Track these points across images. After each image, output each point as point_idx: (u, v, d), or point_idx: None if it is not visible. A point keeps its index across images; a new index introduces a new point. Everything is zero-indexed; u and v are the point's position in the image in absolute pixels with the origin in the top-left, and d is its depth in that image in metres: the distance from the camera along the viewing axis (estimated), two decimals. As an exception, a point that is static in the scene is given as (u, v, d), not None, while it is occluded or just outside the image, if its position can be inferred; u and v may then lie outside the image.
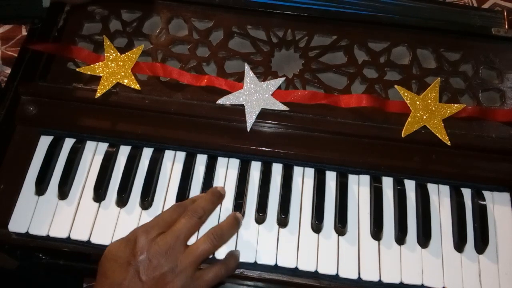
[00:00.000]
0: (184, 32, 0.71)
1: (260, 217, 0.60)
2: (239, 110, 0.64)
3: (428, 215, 0.61)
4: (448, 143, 0.63)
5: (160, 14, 0.73)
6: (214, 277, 0.52)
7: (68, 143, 0.65)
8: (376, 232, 0.60)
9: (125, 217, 0.60)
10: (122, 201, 0.61)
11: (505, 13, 0.75)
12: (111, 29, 0.71)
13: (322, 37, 0.72)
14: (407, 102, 0.65)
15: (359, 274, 0.58)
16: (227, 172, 0.64)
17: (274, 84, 0.65)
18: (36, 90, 0.66)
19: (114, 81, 0.65)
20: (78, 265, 0.64)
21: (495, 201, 0.63)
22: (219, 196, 0.58)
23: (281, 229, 0.60)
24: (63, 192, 0.61)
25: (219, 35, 0.71)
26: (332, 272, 0.58)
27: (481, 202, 0.62)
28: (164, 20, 0.72)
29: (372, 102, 0.65)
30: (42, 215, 0.60)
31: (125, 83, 0.65)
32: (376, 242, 0.60)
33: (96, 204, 0.61)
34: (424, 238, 0.60)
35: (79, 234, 0.59)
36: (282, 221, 0.60)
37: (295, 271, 0.58)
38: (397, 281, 0.58)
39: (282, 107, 0.64)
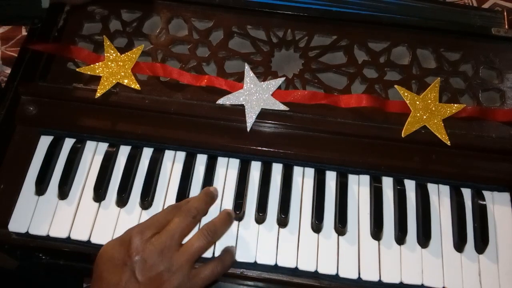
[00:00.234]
0: (184, 32, 0.71)
1: (260, 217, 0.60)
2: (239, 110, 0.64)
3: (428, 215, 0.61)
4: (448, 143, 0.63)
5: (160, 14, 0.73)
6: (210, 274, 0.52)
7: (68, 143, 0.65)
8: (376, 232, 0.60)
9: (125, 217, 0.60)
10: (122, 201, 0.61)
11: (505, 13, 0.75)
12: (111, 29, 0.71)
13: (322, 37, 0.72)
14: (407, 102, 0.65)
15: (359, 274, 0.58)
16: (227, 172, 0.64)
17: (274, 84, 0.65)
18: (36, 90, 0.66)
19: (114, 81, 0.65)
20: (78, 265, 0.64)
21: (495, 201, 0.63)
22: (212, 197, 0.58)
23: (281, 229, 0.60)
24: (63, 192, 0.61)
25: (219, 35, 0.71)
26: (332, 272, 0.58)
27: (481, 202, 0.62)
28: (164, 20, 0.72)
29: (372, 102, 0.65)
30: (42, 215, 0.60)
31: (125, 83, 0.65)
32: (376, 242, 0.60)
33: (96, 204, 0.61)
34: (424, 238, 0.60)
35: (79, 234, 0.59)
36: (282, 221, 0.60)
37: (295, 271, 0.58)
38: (397, 281, 0.58)
39: (282, 107, 0.64)
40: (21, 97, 0.65)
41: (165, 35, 0.71)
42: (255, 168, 0.64)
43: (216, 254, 0.58)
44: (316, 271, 0.58)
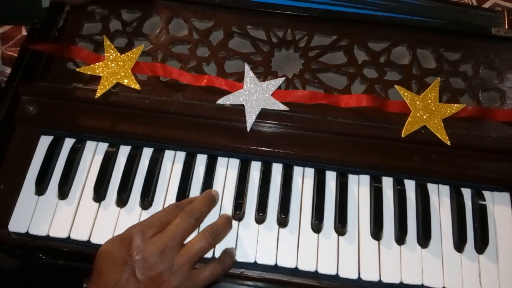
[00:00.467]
0: (184, 32, 0.71)
1: (260, 217, 0.60)
2: (239, 110, 0.64)
3: (428, 215, 0.61)
4: (448, 143, 0.63)
5: (160, 14, 0.73)
6: (210, 275, 0.52)
7: (68, 143, 0.65)
8: (376, 232, 0.60)
9: (125, 217, 0.60)
10: (122, 201, 0.61)
11: (505, 13, 0.75)
12: (111, 29, 0.71)
13: (322, 37, 0.72)
14: (407, 102, 0.65)
15: (359, 274, 0.58)
16: (227, 172, 0.64)
17: (274, 84, 0.65)
18: (36, 90, 0.66)
19: (114, 81, 0.65)
20: (78, 265, 0.64)
21: (495, 201, 0.63)
22: (214, 200, 0.58)
23: (281, 229, 0.60)
24: (63, 192, 0.61)
25: (219, 35, 0.71)
26: (332, 272, 0.58)
27: (481, 202, 0.62)
28: (164, 20, 0.72)
29: (372, 102, 0.65)
30: (42, 215, 0.60)
31: (125, 83, 0.65)
32: (376, 242, 0.60)
33: (96, 204, 0.61)
34: (424, 238, 0.60)
35: (79, 234, 0.59)
36: (282, 221, 0.60)
37: (295, 271, 0.58)
38: (397, 281, 0.58)
39: (282, 107, 0.64)
40: (21, 97, 0.65)
41: (165, 35, 0.71)
42: (255, 168, 0.64)
43: (216, 256, 0.58)
44: (316, 271, 0.58)
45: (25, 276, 0.68)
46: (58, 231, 0.59)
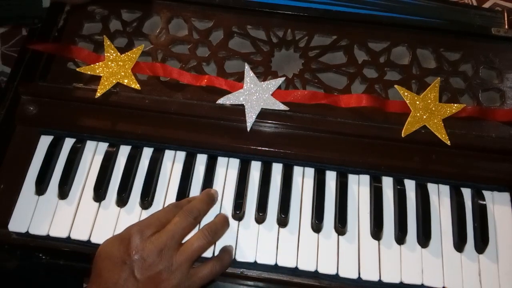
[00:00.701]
0: (184, 32, 0.71)
1: (260, 217, 0.60)
2: (239, 110, 0.64)
3: (428, 215, 0.61)
4: (448, 143, 0.63)
5: (160, 14, 0.73)
6: (209, 273, 0.53)
7: (68, 143, 0.65)
8: (376, 232, 0.60)
9: (125, 217, 0.60)
10: (122, 201, 0.61)
11: (505, 13, 0.75)
12: (111, 29, 0.71)
13: (322, 37, 0.72)
14: (407, 102, 0.65)
15: (359, 273, 0.58)
16: (227, 172, 0.64)
17: (274, 84, 0.65)
18: (36, 90, 0.66)
19: (114, 81, 0.65)
20: (78, 265, 0.64)
21: (495, 201, 0.63)
22: (213, 199, 0.59)
23: (281, 229, 0.60)
24: (63, 192, 0.61)
25: (219, 35, 0.71)
26: (332, 271, 0.58)
27: (481, 202, 0.62)
28: (164, 20, 0.72)
29: (372, 102, 0.65)
30: (42, 215, 0.60)
31: (125, 83, 0.65)
32: (376, 242, 0.60)
33: (96, 204, 0.61)
34: (424, 238, 0.60)
35: (79, 234, 0.59)
36: (282, 221, 0.60)
37: (295, 271, 0.58)
38: (397, 281, 0.58)
39: (282, 107, 0.64)
40: (21, 97, 0.65)
41: (165, 35, 0.71)
42: (255, 168, 0.64)
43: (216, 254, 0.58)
44: (316, 271, 0.58)
45: (25, 276, 0.68)
46: (58, 231, 0.59)
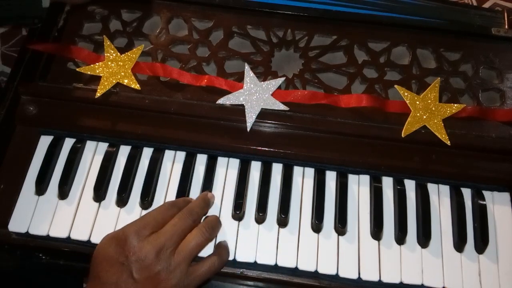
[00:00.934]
0: (184, 32, 0.71)
1: (260, 217, 0.60)
2: (239, 110, 0.64)
3: (428, 215, 0.61)
4: (448, 143, 0.63)
5: (160, 14, 0.73)
6: (208, 270, 0.53)
7: (68, 143, 0.65)
8: (376, 232, 0.60)
9: (125, 217, 0.60)
10: (122, 201, 0.61)
11: (505, 13, 0.75)
12: (111, 29, 0.71)
13: (322, 37, 0.72)
14: (407, 102, 0.65)
15: (359, 274, 0.58)
16: (227, 172, 0.64)
17: (274, 84, 0.65)
18: (36, 90, 0.66)
19: (114, 81, 0.65)
20: (78, 265, 0.64)
21: (495, 201, 0.63)
22: (209, 204, 0.59)
23: (281, 229, 0.60)
24: (63, 192, 0.61)
25: (219, 35, 0.71)
26: (332, 272, 0.58)
27: (481, 202, 0.62)
28: (164, 20, 0.72)
29: (372, 102, 0.65)
30: (42, 215, 0.60)
31: (125, 83, 0.65)
32: (376, 242, 0.60)
33: (96, 204, 0.61)
34: (424, 238, 0.60)
35: (79, 234, 0.59)
36: (282, 221, 0.60)
37: (295, 271, 0.58)
38: (397, 281, 0.58)
39: (282, 107, 0.64)
40: (21, 97, 0.65)
41: (165, 35, 0.71)
42: (255, 168, 0.64)
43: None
44: (316, 271, 0.58)
45: (25, 276, 0.68)
46: (58, 231, 0.59)
